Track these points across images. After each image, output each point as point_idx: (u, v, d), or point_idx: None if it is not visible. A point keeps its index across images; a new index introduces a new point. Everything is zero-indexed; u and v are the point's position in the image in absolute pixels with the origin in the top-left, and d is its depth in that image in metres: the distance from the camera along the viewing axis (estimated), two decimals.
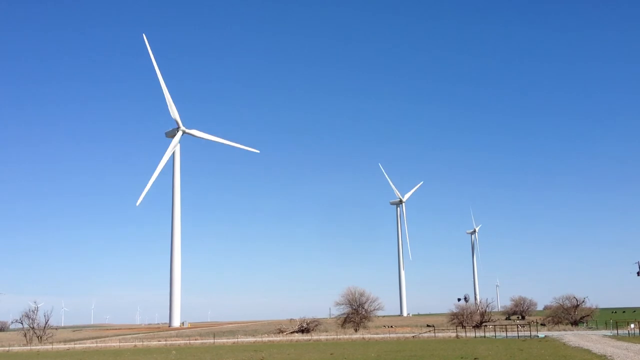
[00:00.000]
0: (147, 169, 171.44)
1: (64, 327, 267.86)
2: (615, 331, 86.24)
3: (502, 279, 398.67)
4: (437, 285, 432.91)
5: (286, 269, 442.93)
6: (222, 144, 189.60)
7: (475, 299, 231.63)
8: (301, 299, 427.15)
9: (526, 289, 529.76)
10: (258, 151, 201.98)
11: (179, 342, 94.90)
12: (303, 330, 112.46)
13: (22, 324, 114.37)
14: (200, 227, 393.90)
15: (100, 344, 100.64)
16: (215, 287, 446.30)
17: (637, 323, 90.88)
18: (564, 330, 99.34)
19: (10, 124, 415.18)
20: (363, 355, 56.88)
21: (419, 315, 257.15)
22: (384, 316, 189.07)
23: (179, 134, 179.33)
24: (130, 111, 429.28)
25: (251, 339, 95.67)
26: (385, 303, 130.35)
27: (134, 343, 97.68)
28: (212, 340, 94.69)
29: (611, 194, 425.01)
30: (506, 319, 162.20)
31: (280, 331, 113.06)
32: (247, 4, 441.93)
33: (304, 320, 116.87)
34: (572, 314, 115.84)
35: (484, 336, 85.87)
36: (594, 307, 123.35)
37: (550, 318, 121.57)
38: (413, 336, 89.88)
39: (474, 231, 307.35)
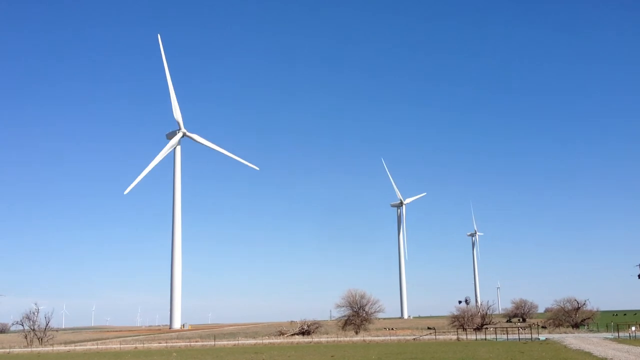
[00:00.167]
0: (149, 171, 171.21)
1: (64, 329, 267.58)
2: (616, 334, 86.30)
3: (503, 281, 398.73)
4: (437, 287, 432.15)
5: (287, 271, 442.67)
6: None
7: (476, 301, 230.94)
8: (302, 301, 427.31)
9: (527, 291, 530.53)
10: (258, 168, 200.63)
11: (179, 344, 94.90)
12: (304, 333, 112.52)
13: (22, 325, 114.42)
14: (201, 229, 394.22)
15: (100, 346, 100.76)
16: (215, 289, 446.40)
17: (638, 326, 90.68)
18: (565, 332, 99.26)
19: (11, 124, 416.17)
20: (364, 357, 56.88)
21: (419, 317, 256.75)
22: (384, 318, 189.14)
23: (179, 134, 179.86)
24: (132, 113, 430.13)
25: (252, 341, 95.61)
26: (385, 305, 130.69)
27: (134, 345, 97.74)
28: (212, 343, 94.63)
29: (612, 197, 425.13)
30: (507, 321, 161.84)
31: (281, 333, 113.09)
32: (247, 4, 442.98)
33: (305, 322, 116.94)
34: (573, 317, 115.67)
35: (485, 339, 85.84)
36: (595, 309, 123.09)
37: (551, 320, 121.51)
38: (414, 338, 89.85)
39: (475, 233, 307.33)
